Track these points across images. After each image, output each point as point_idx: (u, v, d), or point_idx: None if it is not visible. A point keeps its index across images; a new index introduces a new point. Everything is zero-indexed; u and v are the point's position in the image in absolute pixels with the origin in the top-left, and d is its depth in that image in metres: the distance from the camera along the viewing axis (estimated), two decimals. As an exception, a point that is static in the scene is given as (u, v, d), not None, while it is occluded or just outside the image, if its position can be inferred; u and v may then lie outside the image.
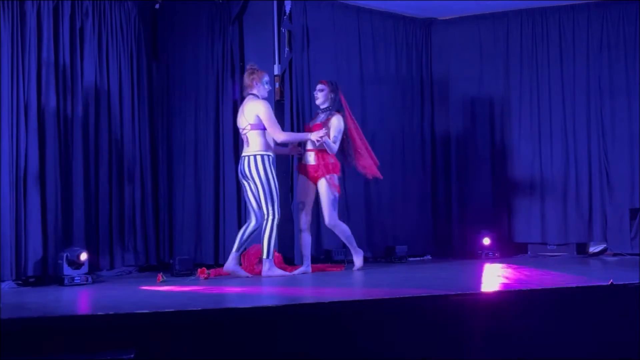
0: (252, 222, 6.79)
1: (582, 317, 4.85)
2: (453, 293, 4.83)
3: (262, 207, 6.71)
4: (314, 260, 7.90)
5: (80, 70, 7.05)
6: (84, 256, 6.44)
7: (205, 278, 6.61)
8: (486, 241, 8.37)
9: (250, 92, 6.80)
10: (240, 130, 6.85)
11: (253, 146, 6.72)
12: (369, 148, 7.32)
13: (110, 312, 4.28)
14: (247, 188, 6.79)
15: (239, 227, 7.73)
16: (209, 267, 7.09)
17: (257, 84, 6.78)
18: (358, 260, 7.23)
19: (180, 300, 5.26)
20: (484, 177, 8.92)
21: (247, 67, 6.93)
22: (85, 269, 6.45)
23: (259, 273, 6.82)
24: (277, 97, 7.86)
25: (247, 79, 6.82)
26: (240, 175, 6.83)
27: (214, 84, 7.89)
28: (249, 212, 6.88)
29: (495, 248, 8.38)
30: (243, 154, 6.80)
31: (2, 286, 6.16)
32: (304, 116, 8.04)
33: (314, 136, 6.87)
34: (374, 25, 8.75)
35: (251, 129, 6.71)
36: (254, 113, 6.69)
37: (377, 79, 8.72)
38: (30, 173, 6.58)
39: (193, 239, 7.87)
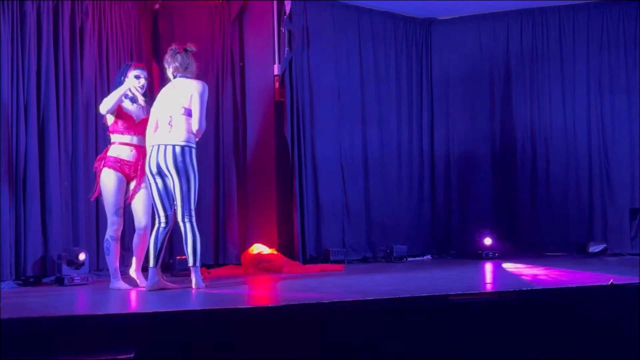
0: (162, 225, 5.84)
1: (582, 317, 4.85)
2: (453, 293, 4.84)
3: (175, 207, 5.81)
4: (314, 260, 7.90)
5: (80, 70, 7.04)
6: (83, 256, 6.43)
7: (205, 278, 6.59)
8: (486, 241, 8.35)
9: (184, 73, 5.97)
10: (165, 116, 5.86)
11: (181, 134, 5.84)
12: None
13: (110, 312, 4.29)
14: (161, 184, 5.81)
15: (239, 227, 7.74)
16: (208, 267, 7.08)
17: (193, 64, 6.05)
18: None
19: (180, 300, 5.25)
20: (484, 176, 8.92)
21: (188, 48, 5.99)
22: (85, 269, 6.44)
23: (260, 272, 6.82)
24: (277, 97, 7.85)
25: (187, 58, 5.95)
26: (157, 168, 5.78)
27: (214, 84, 7.87)
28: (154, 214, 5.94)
29: (495, 248, 8.37)
30: (163, 142, 5.79)
31: (2, 286, 6.15)
32: (303, 116, 8.04)
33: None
34: (374, 25, 8.75)
35: (184, 114, 5.87)
36: (189, 94, 5.90)
37: (377, 79, 8.72)
38: (30, 173, 6.57)
39: (193, 238, 7.84)
